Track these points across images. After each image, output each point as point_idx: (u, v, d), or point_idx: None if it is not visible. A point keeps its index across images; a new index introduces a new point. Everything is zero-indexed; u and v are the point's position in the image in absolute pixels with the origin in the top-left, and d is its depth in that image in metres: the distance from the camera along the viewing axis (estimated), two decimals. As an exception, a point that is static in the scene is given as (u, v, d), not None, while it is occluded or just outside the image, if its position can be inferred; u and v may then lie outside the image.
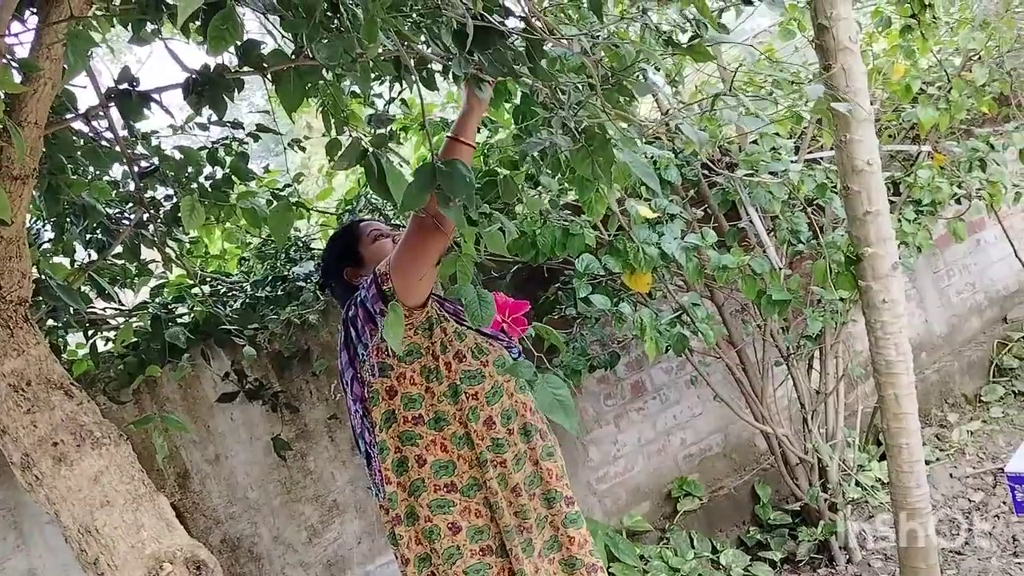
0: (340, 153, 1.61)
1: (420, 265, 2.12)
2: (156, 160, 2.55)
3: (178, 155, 2.57)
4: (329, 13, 1.59)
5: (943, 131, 3.84)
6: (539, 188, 2.92)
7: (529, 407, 2.38)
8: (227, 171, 2.79)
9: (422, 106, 1.82)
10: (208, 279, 3.43)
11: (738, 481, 4.14)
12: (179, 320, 3.13)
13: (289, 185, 3.46)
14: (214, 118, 2.48)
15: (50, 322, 2.63)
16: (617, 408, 4.01)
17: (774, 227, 3.28)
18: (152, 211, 2.66)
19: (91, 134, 2.23)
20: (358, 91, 2.52)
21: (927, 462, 3.75)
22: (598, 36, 1.86)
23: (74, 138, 2.21)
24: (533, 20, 1.83)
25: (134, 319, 3.03)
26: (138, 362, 2.96)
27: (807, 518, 3.82)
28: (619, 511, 3.94)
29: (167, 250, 2.78)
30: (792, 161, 3.06)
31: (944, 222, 4.19)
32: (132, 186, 2.61)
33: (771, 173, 2.94)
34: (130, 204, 2.78)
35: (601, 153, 1.74)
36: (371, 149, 1.54)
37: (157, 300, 3.19)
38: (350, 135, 1.80)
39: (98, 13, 1.86)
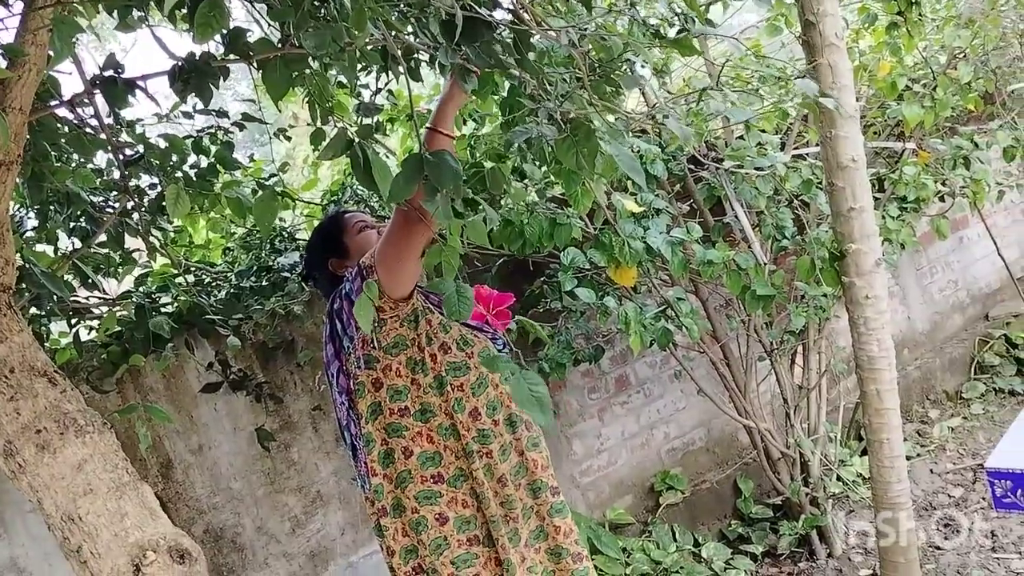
0: (326, 143, 1.60)
1: (405, 257, 2.12)
2: (141, 148, 2.53)
3: (163, 143, 2.56)
4: (316, 2, 1.59)
5: (928, 128, 3.87)
6: (525, 181, 2.92)
7: (515, 398, 2.38)
8: (212, 160, 2.78)
9: (410, 97, 1.82)
10: (192, 269, 3.42)
11: (720, 475, 4.16)
12: (163, 310, 3.11)
13: (274, 175, 3.45)
14: (199, 106, 2.47)
15: (33, 310, 2.61)
16: (601, 402, 4.02)
17: (759, 222, 3.29)
18: (137, 199, 2.64)
19: (76, 121, 2.21)
20: (344, 81, 2.51)
21: (908, 458, 3.78)
22: (586, 29, 1.86)
23: (58, 125, 2.20)
24: (521, 12, 1.83)
25: (118, 308, 3.01)
26: (121, 351, 2.94)
27: (789, 512, 3.85)
28: (602, 504, 3.96)
29: (151, 239, 2.77)
30: (778, 155, 3.07)
31: (928, 219, 4.22)
32: (117, 174, 2.60)
33: (757, 168, 2.95)
34: (114, 192, 2.76)
35: (586, 144, 1.74)
36: (357, 140, 1.54)
37: (141, 289, 3.17)
38: (335, 125, 1.80)
39: (84, -1, 1.85)
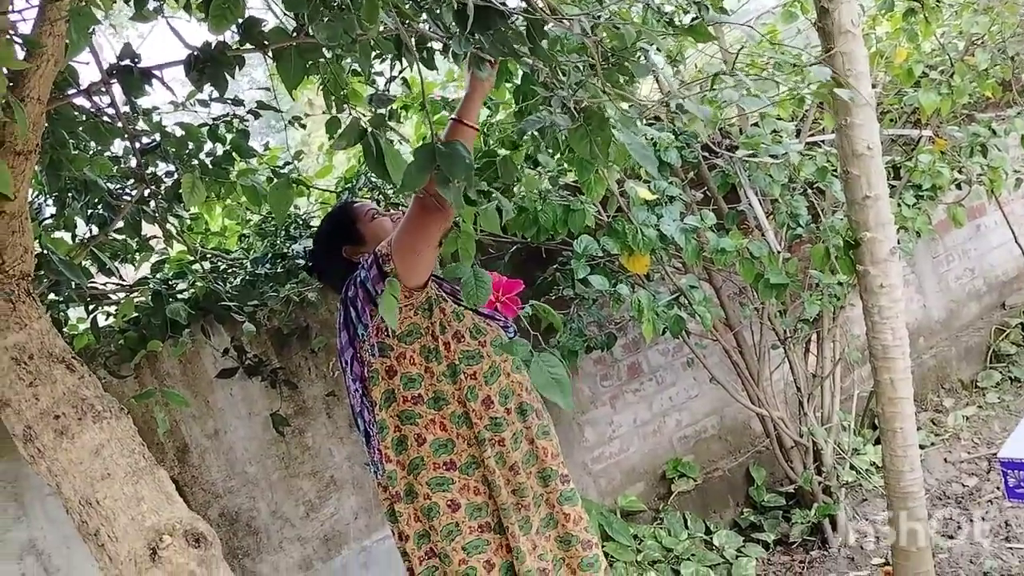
0: (339, 132, 1.61)
1: (422, 246, 2.13)
2: (157, 136, 2.55)
3: (179, 132, 2.57)
4: (330, -9, 1.60)
5: (945, 116, 3.83)
6: (538, 168, 2.92)
7: (525, 387, 2.40)
8: (228, 148, 2.79)
9: (423, 85, 1.82)
10: (208, 255, 3.43)
11: (733, 463, 4.16)
12: (179, 296, 3.13)
13: (289, 163, 3.46)
14: (215, 95, 2.48)
15: (51, 296, 2.63)
16: (613, 389, 4.03)
17: (773, 210, 3.28)
18: (153, 187, 2.66)
19: (93, 110, 2.23)
20: (359, 69, 2.52)
21: (922, 447, 3.77)
22: (599, 16, 1.86)
23: (76, 114, 2.21)
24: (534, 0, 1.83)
25: (135, 294, 3.03)
26: (139, 337, 2.96)
27: (801, 501, 3.85)
28: (614, 491, 3.97)
29: (168, 226, 2.79)
30: (793, 144, 3.06)
31: (944, 207, 4.19)
32: (133, 162, 2.61)
33: (771, 156, 2.94)
34: (131, 180, 2.78)
35: (599, 133, 1.74)
36: (370, 129, 1.55)
37: (158, 276, 3.19)
38: (350, 113, 1.80)
39: (101, -11, 1.86)
